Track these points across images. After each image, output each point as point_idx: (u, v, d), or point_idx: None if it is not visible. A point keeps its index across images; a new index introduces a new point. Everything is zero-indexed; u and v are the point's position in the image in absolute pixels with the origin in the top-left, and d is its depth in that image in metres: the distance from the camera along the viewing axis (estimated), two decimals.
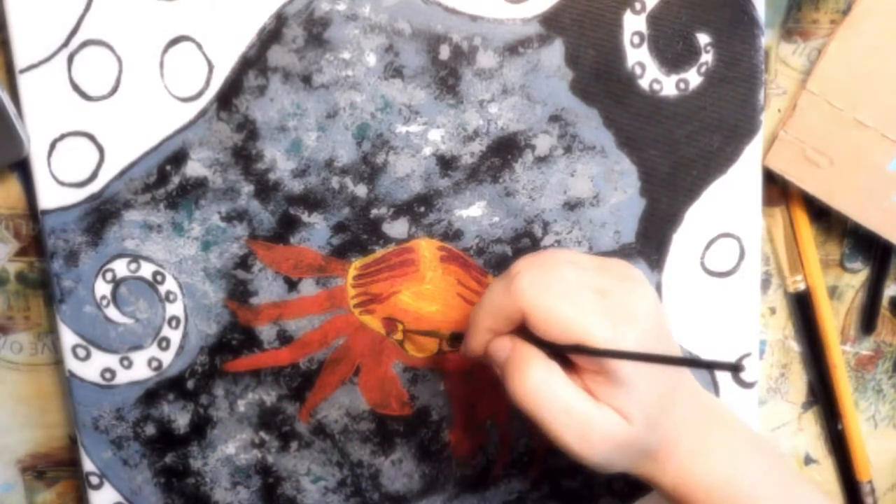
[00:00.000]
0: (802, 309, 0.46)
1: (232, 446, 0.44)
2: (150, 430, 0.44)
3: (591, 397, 0.33)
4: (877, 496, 0.48)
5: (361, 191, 0.42)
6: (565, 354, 0.34)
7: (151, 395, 0.43)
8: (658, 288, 0.44)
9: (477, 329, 0.36)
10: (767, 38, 0.43)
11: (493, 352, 0.36)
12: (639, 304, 0.34)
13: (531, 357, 0.34)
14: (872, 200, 0.43)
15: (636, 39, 0.42)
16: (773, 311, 0.47)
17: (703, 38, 0.42)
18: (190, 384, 0.43)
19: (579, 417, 0.33)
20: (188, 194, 0.42)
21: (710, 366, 0.31)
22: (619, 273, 0.35)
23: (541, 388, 0.33)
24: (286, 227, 0.42)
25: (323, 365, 0.44)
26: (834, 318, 0.47)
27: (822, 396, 0.47)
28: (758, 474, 0.36)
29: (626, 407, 0.33)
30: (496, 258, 0.43)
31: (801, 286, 0.46)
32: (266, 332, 0.43)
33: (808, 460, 0.49)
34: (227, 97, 0.41)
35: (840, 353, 0.46)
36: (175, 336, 0.43)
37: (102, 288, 0.42)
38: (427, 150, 0.42)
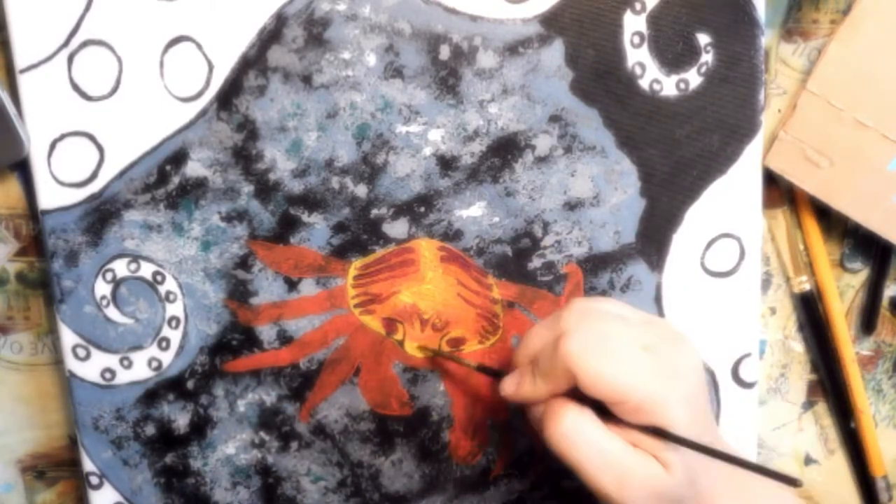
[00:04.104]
0: (808, 309, 0.46)
1: (232, 446, 0.44)
2: (150, 430, 0.44)
3: (629, 445, 0.34)
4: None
5: (361, 191, 0.42)
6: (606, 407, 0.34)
7: (151, 395, 0.43)
8: (658, 288, 0.44)
9: (535, 390, 0.36)
10: (767, 38, 0.43)
11: (530, 411, 0.36)
12: (685, 363, 0.34)
13: (564, 403, 0.34)
14: (872, 200, 0.43)
15: (636, 39, 0.42)
16: (773, 311, 0.47)
17: (703, 38, 0.42)
18: (190, 384, 0.43)
19: (617, 463, 0.33)
20: (188, 194, 0.42)
21: (772, 476, 0.31)
22: (664, 331, 0.36)
23: (574, 431, 0.33)
24: (286, 227, 0.42)
25: (323, 365, 0.44)
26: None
27: (833, 394, 0.47)
28: None
29: (669, 457, 0.33)
30: (496, 258, 0.43)
31: (806, 287, 0.46)
32: (266, 332, 0.43)
33: (808, 460, 0.49)
34: (228, 97, 0.41)
35: (852, 350, 0.46)
36: (175, 336, 0.43)
37: (102, 288, 0.42)
38: (427, 150, 0.42)
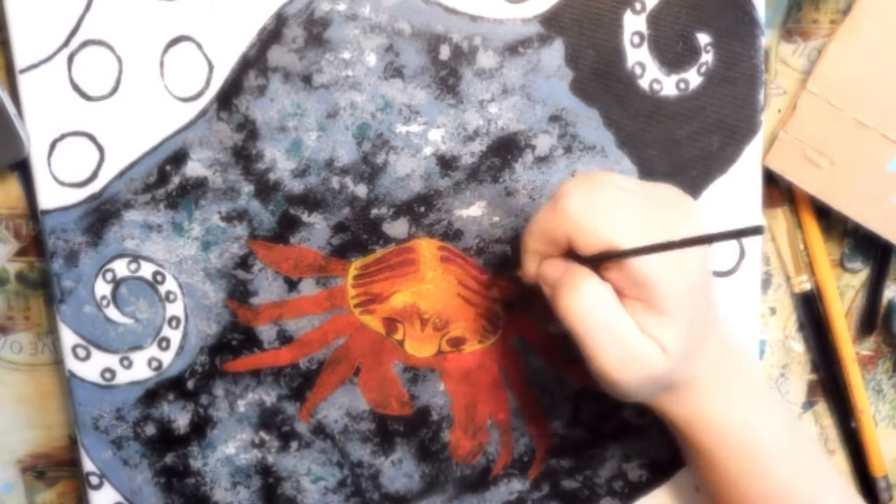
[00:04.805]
0: (808, 309, 0.46)
1: (232, 446, 0.44)
2: (150, 430, 0.44)
3: (637, 328, 0.34)
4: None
5: (361, 191, 0.42)
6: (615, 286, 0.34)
7: (151, 395, 0.43)
8: None
9: (526, 251, 0.36)
10: (767, 38, 0.43)
11: (544, 272, 0.36)
12: (683, 227, 0.34)
13: (585, 278, 0.34)
14: (872, 200, 0.43)
15: (636, 39, 0.42)
16: (773, 311, 0.47)
17: (703, 38, 0.42)
18: (190, 384, 0.43)
19: (624, 344, 0.33)
20: (188, 194, 0.42)
21: (732, 235, 0.31)
22: (665, 196, 0.36)
23: (592, 309, 0.33)
24: (286, 227, 0.42)
25: (323, 365, 0.44)
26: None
27: (834, 394, 0.47)
28: (770, 421, 0.38)
29: (665, 338, 0.33)
30: (496, 258, 0.43)
31: (807, 286, 0.46)
32: (266, 332, 0.43)
33: None
34: (228, 97, 0.41)
35: (852, 350, 0.46)
36: (175, 336, 0.43)
37: (102, 288, 0.42)
38: (427, 150, 0.42)
